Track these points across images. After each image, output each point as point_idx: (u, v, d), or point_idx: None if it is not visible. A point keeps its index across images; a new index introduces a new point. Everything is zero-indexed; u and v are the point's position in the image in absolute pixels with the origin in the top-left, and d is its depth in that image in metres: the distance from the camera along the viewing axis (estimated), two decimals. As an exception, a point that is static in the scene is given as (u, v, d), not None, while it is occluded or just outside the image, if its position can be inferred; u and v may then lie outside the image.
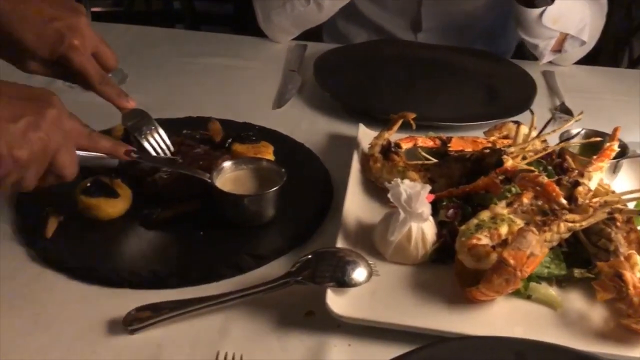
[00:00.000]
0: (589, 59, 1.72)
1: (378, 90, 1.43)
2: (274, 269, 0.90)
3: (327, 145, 1.23)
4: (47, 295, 0.84)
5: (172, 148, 1.00)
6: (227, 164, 0.98)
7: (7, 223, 0.96)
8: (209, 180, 0.94)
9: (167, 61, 1.57)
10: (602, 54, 2.30)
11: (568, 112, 1.36)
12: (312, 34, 1.74)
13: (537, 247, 0.81)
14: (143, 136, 0.97)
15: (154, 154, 0.97)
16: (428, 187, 0.88)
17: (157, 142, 0.99)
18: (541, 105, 1.40)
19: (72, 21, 0.88)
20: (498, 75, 1.51)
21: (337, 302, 0.80)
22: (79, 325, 0.79)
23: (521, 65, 1.57)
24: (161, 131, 1.00)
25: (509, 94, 1.42)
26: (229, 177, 0.99)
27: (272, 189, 0.94)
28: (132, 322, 0.78)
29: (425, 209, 0.88)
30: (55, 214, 0.93)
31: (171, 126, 1.07)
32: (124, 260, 0.89)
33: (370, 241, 0.93)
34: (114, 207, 0.94)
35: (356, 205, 1.00)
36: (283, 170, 0.98)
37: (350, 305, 0.81)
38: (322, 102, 1.38)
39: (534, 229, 0.82)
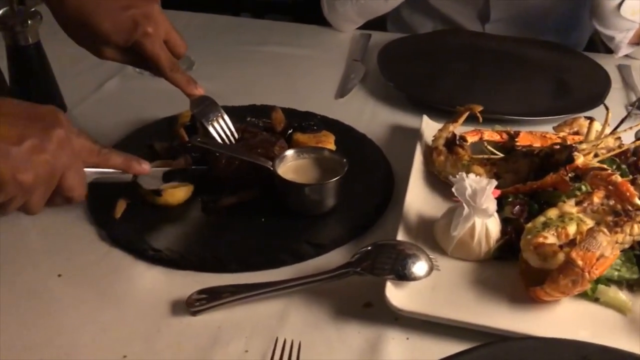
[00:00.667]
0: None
1: (443, 82, 1.41)
2: (333, 258, 0.90)
3: (389, 137, 1.22)
4: (114, 274, 0.87)
5: (236, 135, 1.02)
6: (289, 153, 0.99)
7: (80, 203, 1.00)
8: (272, 168, 0.95)
9: (232, 49, 1.59)
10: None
11: (644, 109, 1.30)
12: (376, 23, 1.72)
13: (607, 249, 0.77)
14: (209, 122, 0.99)
15: (219, 140, 0.99)
16: (494, 183, 0.86)
17: (223, 128, 1.01)
18: (615, 101, 1.34)
19: (147, 9, 0.90)
20: (569, 68, 1.46)
21: (396, 295, 0.80)
22: (144, 304, 0.82)
23: (594, 58, 1.50)
24: (226, 118, 1.02)
25: (581, 88, 1.36)
26: (290, 165, 0.99)
27: (334, 179, 0.94)
28: (194, 304, 0.80)
29: (491, 204, 0.86)
30: (125, 197, 0.96)
31: (235, 113, 1.09)
32: (187, 244, 0.91)
33: (431, 235, 0.92)
34: (173, 196, 0.96)
35: (418, 198, 0.99)
36: (345, 160, 0.98)
37: (410, 299, 0.80)
38: (386, 92, 1.37)
39: (604, 230, 0.78)
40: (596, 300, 0.82)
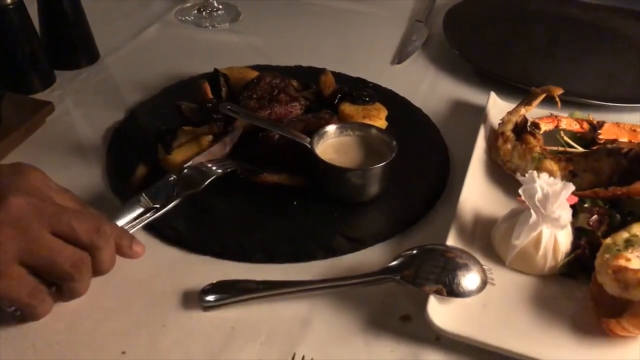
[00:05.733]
0: None
1: (517, 53, 1.24)
2: (371, 256, 0.78)
3: (450, 114, 1.07)
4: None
5: None
6: (330, 129, 0.87)
7: (98, 166, 0.91)
8: (309, 146, 0.83)
9: (282, 2, 1.45)
10: None
11: None
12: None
13: None
14: None
15: None
16: (571, 187, 0.71)
17: None
18: None
19: None
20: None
21: (439, 311, 0.68)
22: (152, 292, 0.73)
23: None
24: None
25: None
26: (331, 143, 0.87)
27: (380, 164, 0.81)
28: (208, 299, 0.70)
29: (564, 213, 0.71)
30: (145, 163, 0.87)
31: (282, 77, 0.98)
32: (209, 224, 0.81)
33: (488, 240, 0.79)
34: (186, 158, 0.86)
35: (476, 192, 0.85)
36: (394, 143, 0.85)
37: (455, 317, 0.68)
38: (450, 61, 1.21)
39: None
40: (683, 341, 0.68)
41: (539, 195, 0.71)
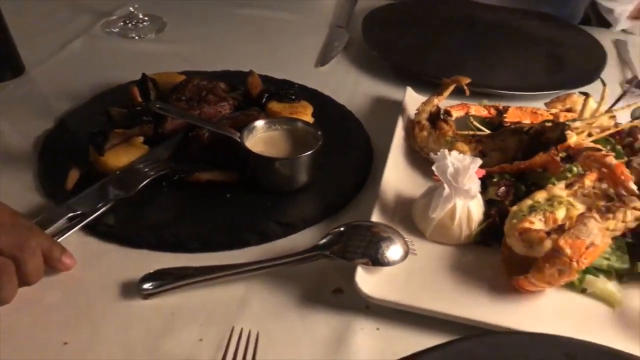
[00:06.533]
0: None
1: (431, 52, 1.32)
2: (303, 239, 0.83)
3: (371, 109, 1.14)
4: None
5: None
6: (259, 124, 0.91)
7: (29, 171, 0.92)
8: (239, 140, 0.87)
9: (209, 11, 1.50)
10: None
11: (641, 86, 1.23)
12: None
13: (598, 237, 0.71)
14: None
15: None
16: (479, 161, 0.79)
17: None
18: (611, 77, 1.27)
19: None
20: (563, 42, 1.38)
21: (367, 281, 0.73)
22: (91, 286, 0.74)
23: (590, 32, 1.43)
24: None
25: (575, 63, 1.29)
26: (261, 137, 0.91)
27: (307, 153, 0.87)
28: (146, 287, 0.73)
29: (474, 185, 0.79)
30: (77, 167, 0.88)
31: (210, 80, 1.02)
32: (143, 219, 0.84)
33: (409, 217, 0.85)
34: (117, 159, 0.89)
35: (397, 176, 0.92)
36: (320, 133, 0.90)
37: (382, 286, 0.73)
38: (369, 61, 1.29)
39: (596, 216, 0.72)
40: (583, 291, 0.76)
41: (450, 170, 0.78)
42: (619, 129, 0.88)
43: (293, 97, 1.04)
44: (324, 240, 0.77)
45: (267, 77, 1.16)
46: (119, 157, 0.89)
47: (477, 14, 1.50)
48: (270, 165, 0.87)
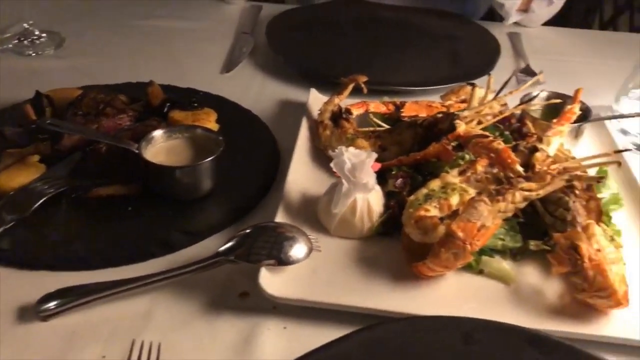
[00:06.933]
0: (560, 21, 1.65)
1: (335, 54, 1.35)
2: (210, 246, 0.82)
3: (278, 112, 1.15)
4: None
5: None
6: (157, 133, 0.90)
7: None
8: (136, 151, 0.86)
9: (109, 24, 1.47)
10: (573, 17, 2.23)
11: (532, 75, 1.30)
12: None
13: (488, 219, 0.74)
14: None
15: None
16: (374, 155, 0.81)
17: None
18: (506, 68, 1.33)
19: None
20: (461, 37, 1.44)
21: (272, 281, 0.74)
22: (-14, 313, 0.72)
23: (486, 26, 1.50)
24: None
25: (472, 56, 1.35)
26: (161, 147, 0.90)
27: (207, 159, 0.86)
28: (44, 308, 0.70)
29: (371, 179, 0.81)
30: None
31: (107, 92, 0.99)
32: (41, 239, 0.81)
33: (315, 215, 0.86)
34: (12, 180, 0.86)
35: (302, 175, 0.93)
36: (220, 138, 0.90)
37: (288, 285, 0.74)
38: (275, 66, 1.30)
39: (485, 199, 0.76)
40: (481, 272, 0.79)
41: (347, 166, 0.80)
42: (504, 115, 0.93)
43: (195, 104, 1.04)
44: (227, 245, 0.77)
45: (172, 86, 1.15)
46: (12, 178, 0.86)
47: (380, 14, 1.54)
48: (171, 175, 0.86)
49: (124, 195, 0.88)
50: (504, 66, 1.33)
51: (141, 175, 0.88)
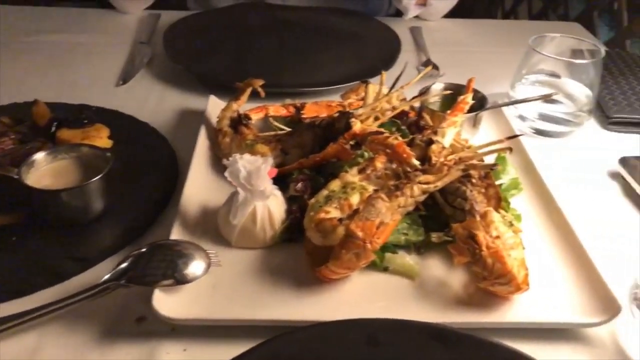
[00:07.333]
0: (465, 13, 1.69)
1: (237, 59, 1.32)
2: (105, 271, 0.77)
3: (177, 123, 1.11)
4: None
5: None
6: (39, 156, 0.84)
7: None
8: (16, 177, 0.80)
9: (-5, 41, 1.38)
10: (477, 8, 2.30)
11: (434, 67, 1.31)
12: (174, 1, 1.60)
13: (387, 215, 0.73)
14: None
15: None
16: (270, 160, 0.79)
17: None
18: (409, 62, 1.34)
19: None
20: (363, 35, 1.44)
21: (168, 302, 0.70)
22: None
23: (388, 23, 1.50)
24: None
25: (373, 53, 1.35)
26: (46, 170, 0.85)
27: (94, 178, 0.81)
28: None
29: (268, 185, 0.78)
30: None
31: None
32: None
33: (216, 227, 0.83)
34: None
35: (201, 187, 0.89)
36: (108, 154, 0.85)
37: (186, 305, 0.71)
38: (175, 75, 1.26)
39: (382, 196, 0.75)
40: (386, 269, 0.78)
41: (243, 173, 0.77)
42: (397, 110, 0.92)
43: (85, 121, 0.98)
44: (119, 268, 0.72)
45: (62, 104, 1.09)
46: None
47: (283, 16, 1.52)
48: (57, 199, 0.81)
49: (6, 225, 0.81)
50: (406, 61, 1.34)
51: (25, 201, 0.82)
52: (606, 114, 1.14)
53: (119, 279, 0.71)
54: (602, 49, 1.08)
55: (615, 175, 1.01)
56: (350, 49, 1.38)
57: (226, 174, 0.79)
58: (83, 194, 0.82)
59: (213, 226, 0.83)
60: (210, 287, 0.74)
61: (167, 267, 0.72)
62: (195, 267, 0.73)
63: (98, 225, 0.84)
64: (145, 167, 0.95)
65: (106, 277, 0.71)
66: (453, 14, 1.65)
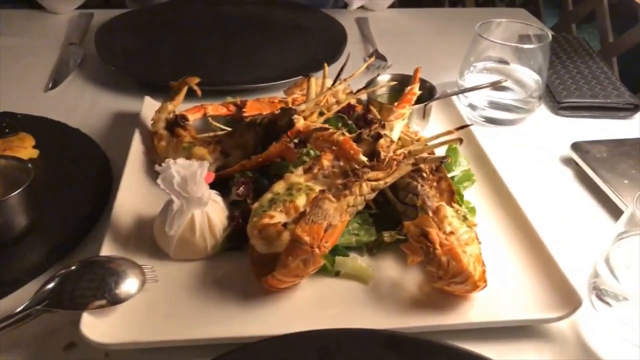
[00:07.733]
0: (413, 3, 1.66)
1: (173, 58, 1.25)
2: (30, 294, 0.70)
3: (111, 127, 1.04)
4: None
5: None
6: (-53, 172, 0.76)
7: None
8: None
9: None
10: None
11: (382, 58, 1.28)
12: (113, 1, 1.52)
13: (335, 217, 0.69)
14: None
15: None
16: (206, 164, 0.73)
17: None
18: (355, 54, 1.30)
19: None
20: (308, 27, 1.39)
21: (99, 326, 0.63)
22: None
23: (334, 14, 1.46)
24: None
25: (318, 46, 1.30)
26: (-41, 186, 0.77)
27: (13, 193, 0.74)
28: None
29: (205, 190, 0.73)
30: None
31: None
32: None
33: (153, 239, 0.77)
34: None
35: (135, 196, 0.83)
36: (29, 166, 0.78)
37: (119, 327, 0.64)
38: (108, 76, 1.18)
39: (329, 196, 0.70)
40: (337, 274, 0.73)
41: (177, 180, 0.71)
42: (342, 105, 0.88)
43: (7, 130, 0.90)
44: (44, 289, 0.65)
45: (-17, 113, 1.01)
46: None
47: (224, 10, 1.46)
48: (-29, 218, 0.73)
49: None
50: (353, 52, 1.29)
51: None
52: (556, 99, 1.12)
53: (43, 303, 0.64)
54: (549, 33, 1.06)
55: (568, 161, 0.99)
56: (294, 42, 1.33)
57: (159, 181, 0.72)
58: (2, 209, 0.74)
59: (149, 238, 0.77)
60: (147, 305, 0.68)
61: (98, 287, 0.66)
62: (128, 284, 0.67)
63: (21, 244, 0.77)
64: (75, 177, 0.88)
65: (27, 302, 0.64)
66: (403, 3, 1.62)
